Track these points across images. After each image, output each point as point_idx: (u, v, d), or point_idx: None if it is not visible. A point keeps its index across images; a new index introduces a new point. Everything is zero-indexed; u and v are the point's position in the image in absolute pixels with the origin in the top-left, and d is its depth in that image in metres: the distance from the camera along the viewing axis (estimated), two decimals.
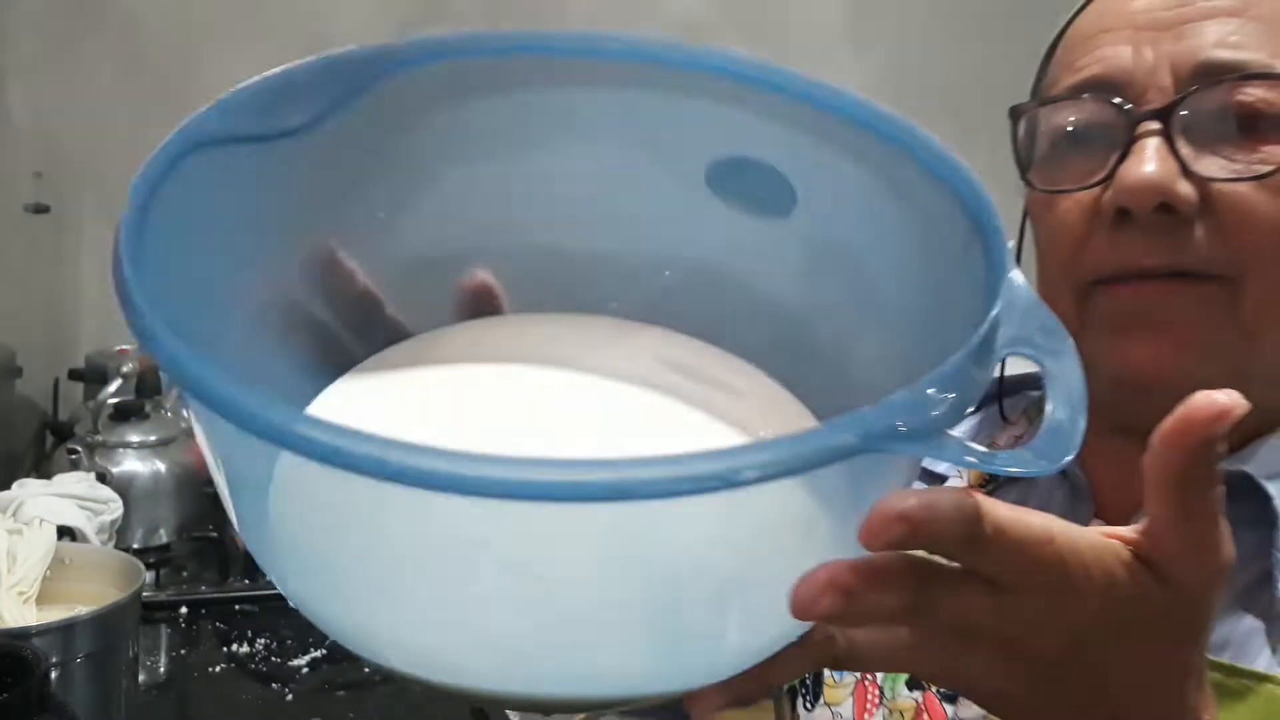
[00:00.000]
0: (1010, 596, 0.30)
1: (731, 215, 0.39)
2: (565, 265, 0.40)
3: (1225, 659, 0.50)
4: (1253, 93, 0.50)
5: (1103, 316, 0.54)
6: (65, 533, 1.00)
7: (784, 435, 0.24)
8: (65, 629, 0.80)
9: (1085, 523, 0.50)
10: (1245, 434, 0.54)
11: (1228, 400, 0.29)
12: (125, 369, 1.37)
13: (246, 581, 1.33)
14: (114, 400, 1.33)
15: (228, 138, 0.34)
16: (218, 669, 1.06)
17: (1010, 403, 0.66)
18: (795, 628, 0.30)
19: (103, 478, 1.19)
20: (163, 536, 1.33)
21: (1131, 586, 0.31)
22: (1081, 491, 0.59)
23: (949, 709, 0.59)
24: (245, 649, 1.09)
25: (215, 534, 1.43)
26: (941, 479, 0.66)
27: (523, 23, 2.09)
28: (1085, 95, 0.55)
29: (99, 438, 1.30)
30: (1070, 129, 0.56)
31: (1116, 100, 0.53)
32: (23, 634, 0.77)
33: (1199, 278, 0.51)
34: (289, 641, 1.11)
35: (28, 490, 1.05)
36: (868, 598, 0.27)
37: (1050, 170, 0.57)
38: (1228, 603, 0.52)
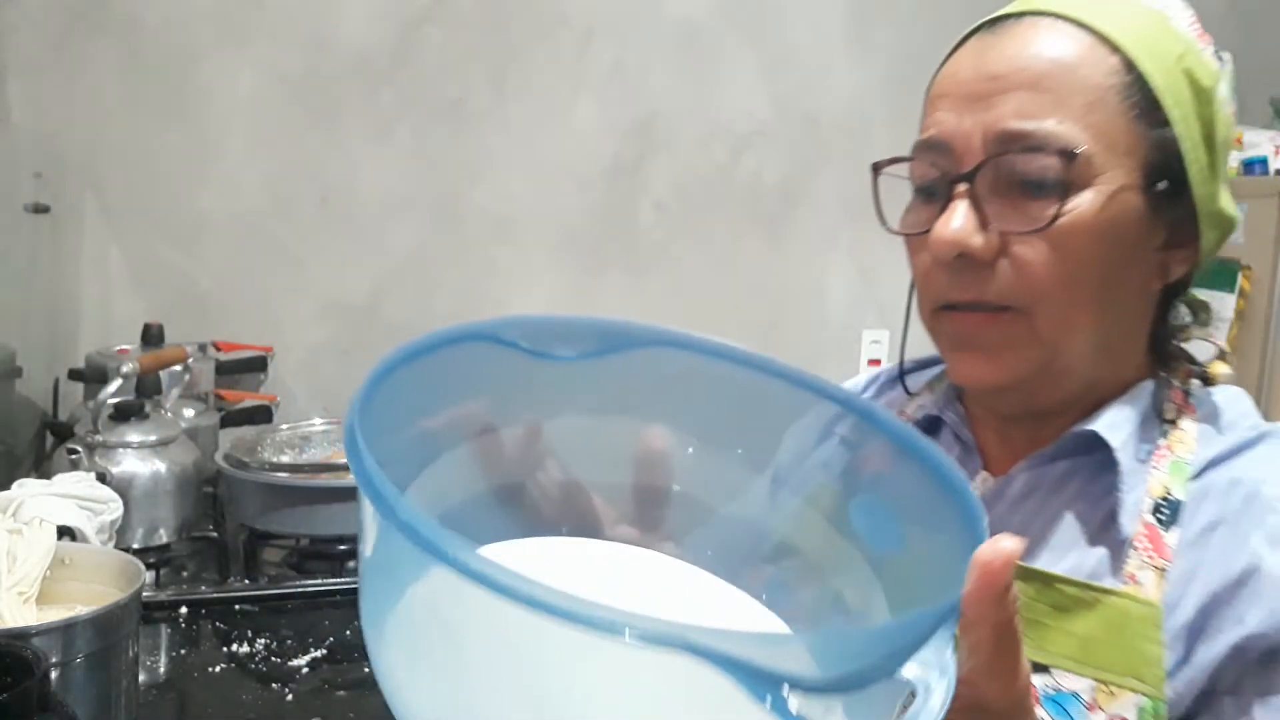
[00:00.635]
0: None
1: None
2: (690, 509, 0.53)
3: (1080, 579, 0.64)
4: (1035, 160, 0.63)
5: (944, 336, 0.70)
6: (65, 533, 1.00)
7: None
8: (65, 629, 0.80)
9: (974, 472, 0.74)
10: (1084, 409, 0.69)
11: (1011, 547, 0.39)
12: (125, 369, 1.37)
13: (246, 581, 1.33)
14: (114, 400, 1.33)
15: (507, 341, 0.48)
16: (218, 669, 1.06)
17: (911, 380, 0.82)
18: None
19: (103, 478, 1.19)
20: (163, 536, 1.33)
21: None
22: (971, 450, 0.75)
23: None
24: (245, 649, 1.09)
25: (215, 534, 1.43)
26: None
27: (523, 22, 2.07)
28: (922, 158, 0.68)
29: (99, 438, 1.29)
30: (919, 186, 0.70)
31: (941, 163, 0.67)
32: (23, 634, 0.77)
33: (1000, 309, 0.65)
34: (289, 641, 1.11)
35: (28, 490, 1.05)
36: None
37: (907, 216, 0.71)
38: (1084, 538, 0.67)
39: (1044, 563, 0.66)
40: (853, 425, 0.50)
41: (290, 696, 1.01)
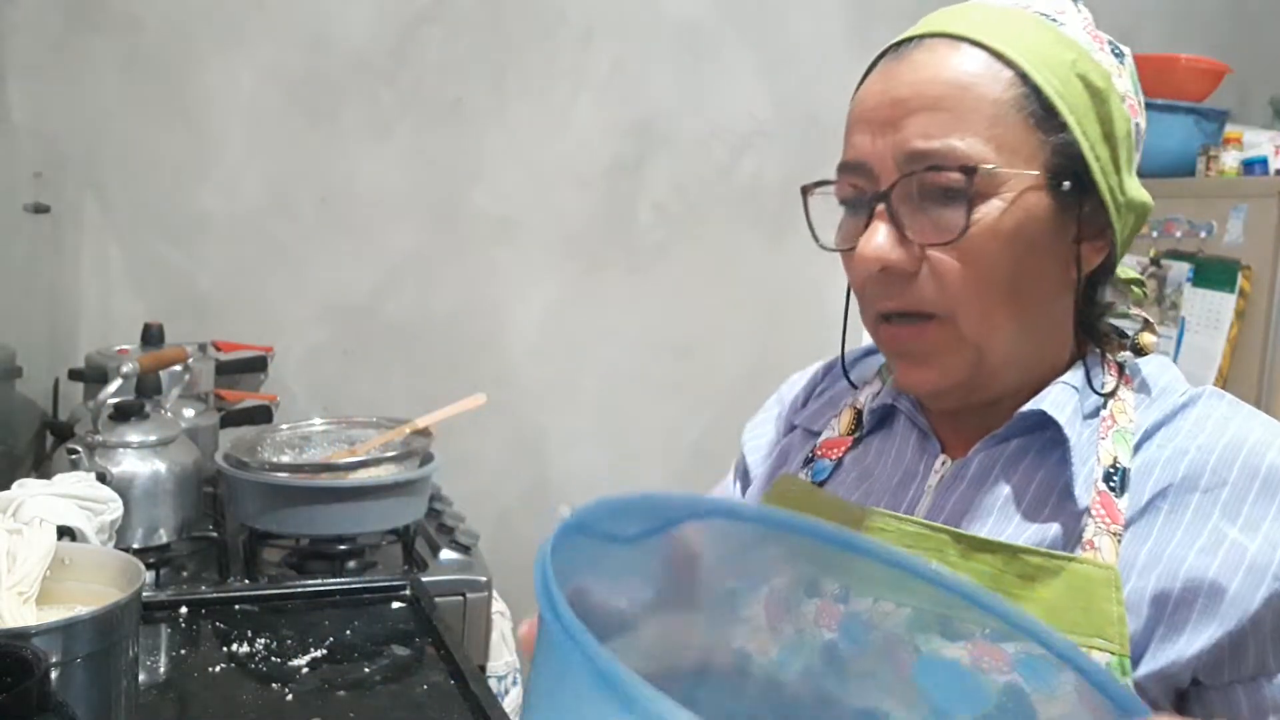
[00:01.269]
0: None
1: None
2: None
3: (1041, 549, 0.68)
4: (940, 176, 0.68)
5: (883, 346, 0.76)
6: (65, 533, 1.00)
7: None
8: (65, 629, 0.80)
9: (934, 455, 0.78)
10: (1029, 393, 0.73)
11: None
12: (125, 369, 1.36)
13: (246, 581, 1.33)
14: (114, 400, 1.33)
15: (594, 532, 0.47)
16: (218, 669, 1.06)
17: (859, 369, 0.87)
18: None
19: (103, 478, 1.19)
20: (163, 536, 1.33)
21: None
22: (928, 434, 0.79)
23: (840, 607, 0.68)
24: (245, 649, 1.09)
25: (215, 534, 1.43)
26: (815, 434, 0.86)
27: (523, 22, 2.07)
28: (844, 179, 0.73)
29: (99, 438, 1.29)
30: (844, 203, 0.75)
31: (860, 183, 0.72)
32: (23, 634, 0.77)
33: (927, 318, 0.70)
34: (289, 641, 1.11)
35: (28, 490, 1.05)
36: None
37: (839, 232, 0.76)
38: (1044, 510, 0.71)
39: (1008, 536, 0.70)
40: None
41: (290, 696, 1.01)
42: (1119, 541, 0.68)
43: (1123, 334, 0.79)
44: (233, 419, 1.69)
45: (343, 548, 1.40)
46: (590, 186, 2.09)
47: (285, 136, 1.89)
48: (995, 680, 0.50)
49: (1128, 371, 0.76)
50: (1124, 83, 0.73)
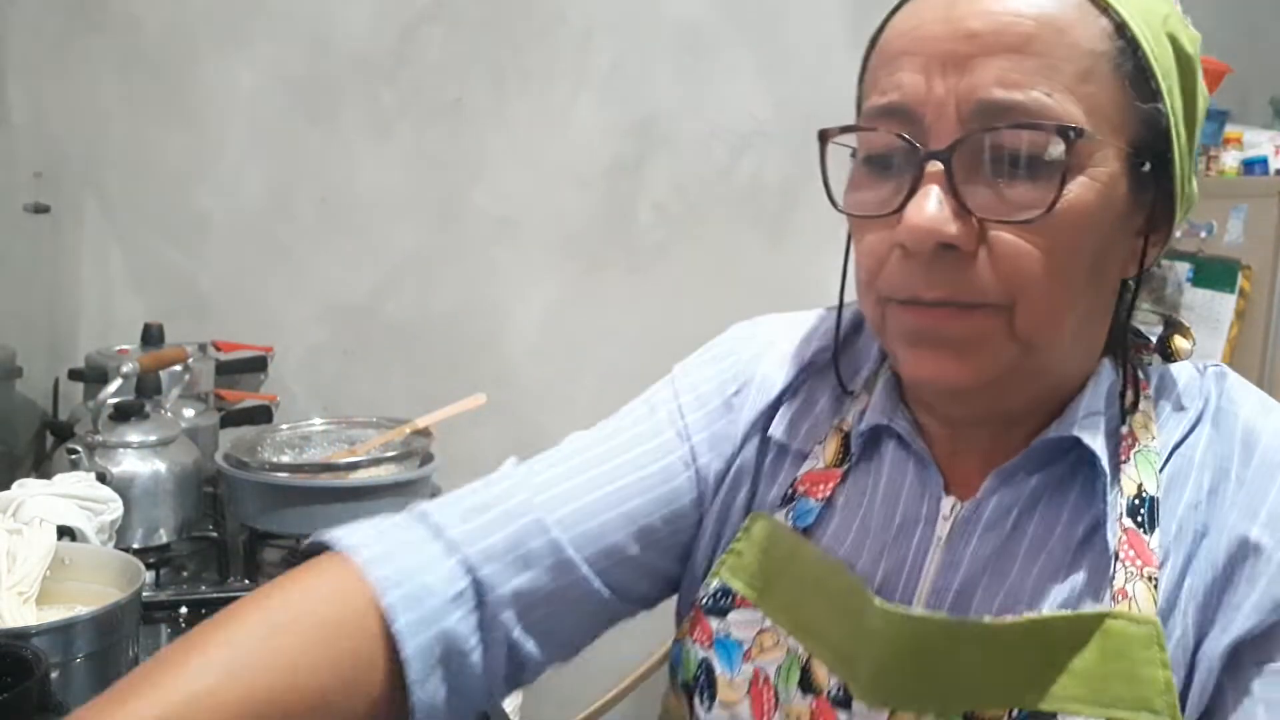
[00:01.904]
0: None
1: None
2: None
3: (1068, 611, 0.58)
4: (1022, 137, 0.55)
5: (896, 330, 0.61)
6: (65, 533, 1.00)
7: None
8: (65, 629, 0.80)
9: (936, 493, 0.65)
10: (1050, 411, 0.63)
11: None
12: (125, 369, 1.36)
13: (246, 581, 1.33)
14: (114, 400, 1.33)
15: None
16: None
17: (849, 378, 0.72)
18: None
19: (103, 478, 1.19)
20: (163, 536, 1.33)
21: None
22: (928, 464, 0.66)
23: (842, 714, 0.63)
24: None
25: (215, 534, 1.43)
26: (803, 455, 0.72)
27: (523, 22, 2.08)
28: (882, 127, 0.59)
29: (99, 438, 1.29)
30: (872, 157, 0.61)
31: (907, 136, 0.57)
32: (23, 634, 0.77)
33: (974, 306, 0.57)
34: None
35: (28, 490, 1.05)
36: None
37: (856, 193, 0.62)
38: (1068, 558, 0.60)
39: (1028, 596, 0.61)
40: None
41: None
42: (1155, 587, 0.58)
43: (1139, 334, 0.69)
44: (233, 419, 1.69)
45: None
46: (590, 186, 2.09)
47: (285, 136, 1.89)
48: None
49: (1144, 375, 0.66)
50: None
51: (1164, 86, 0.58)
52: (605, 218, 2.11)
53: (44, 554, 0.90)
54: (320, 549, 0.66)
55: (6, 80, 1.67)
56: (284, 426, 1.54)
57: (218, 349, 1.80)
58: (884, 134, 0.59)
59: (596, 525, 0.69)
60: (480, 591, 0.65)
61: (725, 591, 0.70)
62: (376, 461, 1.39)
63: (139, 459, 1.30)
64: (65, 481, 1.10)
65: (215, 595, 1.20)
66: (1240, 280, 1.85)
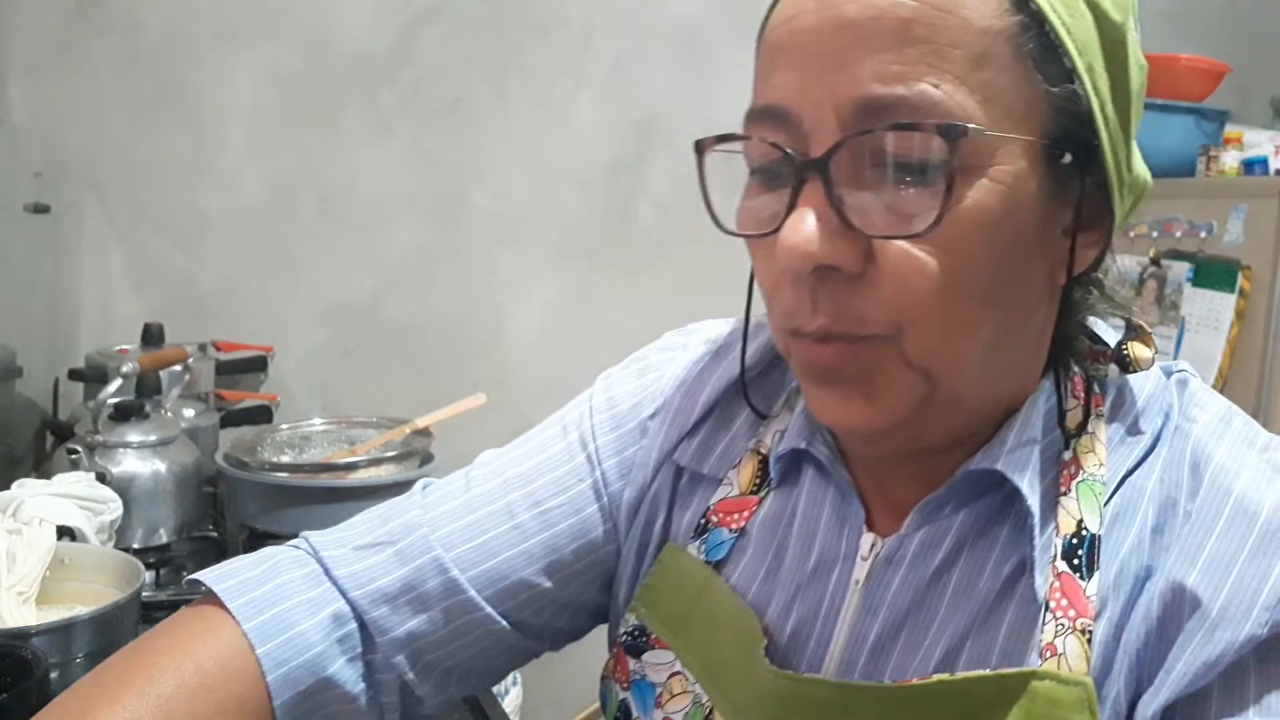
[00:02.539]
0: None
1: None
2: None
3: (989, 671, 0.51)
4: (909, 139, 0.47)
5: (797, 365, 0.55)
6: (65, 533, 1.00)
7: None
8: (65, 629, 0.80)
9: (857, 528, 0.59)
10: (982, 437, 0.55)
11: None
12: (125, 369, 1.36)
13: None
14: (114, 400, 1.33)
15: None
16: None
17: (763, 398, 0.66)
18: None
19: (103, 478, 1.19)
20: (163, 536, 1.33)
21: None
22: (849, 495, 0.60)
23: None
24: None
25: (215, 534, 1.43)
26: (716, 481, 0.66)
27: (523, 22, 2.08)
28: (759, 134, 0.52)
29: (99, 438, 1.29)
30: (752, 170, 0.55)
31: (782, 145, 0.51)
32: (23, 634, 0.77)
33: (860, 339, 0.51)
34: None
35: (28, 490, 1.05)
36: None
37: (744, 201, 0.55)
38: (991, 606, 0.53)
39: (945, 646, 0.54)
40: None
41: None
42: (1089, 641, 0.50)
43: (1096, 339, 0.59)
44: (233, 419, 1.69)
45: None
46: (590, 186, 2.09)
47: (285, 136, 1.89)
48: None
49: (1097, 390, 0.58)
50: (1132, 21, 0.53)
51: (1080, 64, 0.49)
52: (605, 217, 2.11)
53: (44, 554, 0.90)
54: (204, 588, 0.64)
55: (6, 80, 1.67)
56: (284, 426, 1.53)
57: (218, 349, 1.80)
58: (759, 146, 0.52)
59: (499, 563, 0.66)
60: (369, 636, 0.64)
61: (641, 630, 0.65)
62: (376, 461, 1.39)
63: (139, 459, 1.30)
64: (65, 481, 1.10)
65: None
66: (1240, 280, 1.85)
